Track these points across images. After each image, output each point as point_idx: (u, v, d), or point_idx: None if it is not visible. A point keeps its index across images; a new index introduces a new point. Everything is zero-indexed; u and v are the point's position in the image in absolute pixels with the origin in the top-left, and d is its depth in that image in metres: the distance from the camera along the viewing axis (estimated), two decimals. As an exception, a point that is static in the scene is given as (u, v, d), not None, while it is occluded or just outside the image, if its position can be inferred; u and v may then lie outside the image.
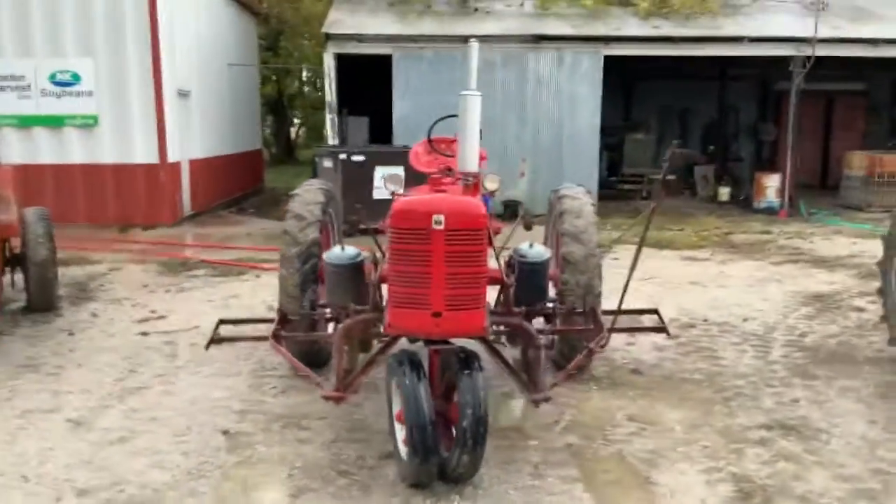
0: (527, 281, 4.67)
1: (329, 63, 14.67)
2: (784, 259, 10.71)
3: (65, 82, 13.15)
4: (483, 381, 3.93)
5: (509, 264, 4.73)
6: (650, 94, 20.81)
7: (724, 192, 17.85)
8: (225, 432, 4.78)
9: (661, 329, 4.86)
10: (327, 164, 12.51)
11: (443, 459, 3.98)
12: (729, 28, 15.69)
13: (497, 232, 5.16)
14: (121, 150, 13.45)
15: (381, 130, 15.81)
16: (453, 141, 5.84)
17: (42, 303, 7.55)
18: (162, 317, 7.57)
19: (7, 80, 13.06)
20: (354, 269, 4.62)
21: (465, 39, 14.50)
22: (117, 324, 7.33)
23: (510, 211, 13.53)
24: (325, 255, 4.75)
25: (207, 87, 16.29)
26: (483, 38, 14.82)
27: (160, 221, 13.57)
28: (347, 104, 16.25)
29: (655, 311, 5.11)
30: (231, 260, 10.50)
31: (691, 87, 20.23)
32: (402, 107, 14.62)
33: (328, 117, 14.95)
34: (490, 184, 5.68)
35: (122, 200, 13.54)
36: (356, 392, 5.14)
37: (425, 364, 4.04)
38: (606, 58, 15.21)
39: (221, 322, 5.26)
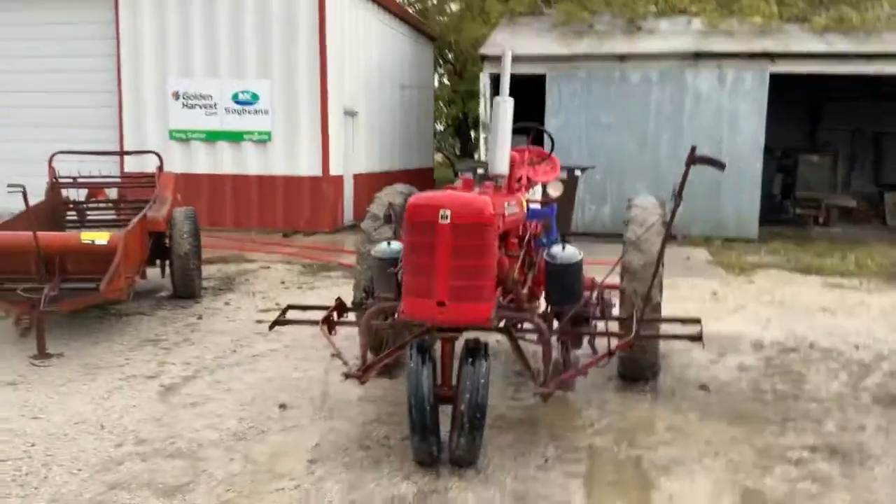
0: (557, 282, 4.77)
1: (484, 82, 15.19)
2: (943, 291, 9.74)
3: (245, 101, 14.65)
4: (486, 370, 4.13)
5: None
6: (841, 115, 19.43)
7: (914, 221, 16.41)
8: (282, 406, 5.27)
9: (695, 338, 4.74)
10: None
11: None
12: (915, 43, 14.44)
13: (536, 234, 5.30)
14: (289, 163, 14.74)
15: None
16: (524, 150, 6.06)
17: (185, 291, 8.54)
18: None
19: (197, 99, 14.77)
20: (395, 262, 4.94)
21: (620, 58, 14.70)
22: (242, 312, 8.15)
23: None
24: (373, 250, 5.11)
25: (377, 107, 17.38)
26: (640, 56, 14.87)
27: (321, 228, 14.68)
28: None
29: (698, 321, 4.99)
30: (366, 265, 11.19)
31: (889, 108, 18.69)
32: (553, 124, 14.79)
33: (482, 135, 15.44)
34: (553, 191, 5.87)
35: (288, 208, 14.82)
36: (393, 377, 5.51)
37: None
38: (785, 77, 14.52)
39: (289, 307, 5.78)
